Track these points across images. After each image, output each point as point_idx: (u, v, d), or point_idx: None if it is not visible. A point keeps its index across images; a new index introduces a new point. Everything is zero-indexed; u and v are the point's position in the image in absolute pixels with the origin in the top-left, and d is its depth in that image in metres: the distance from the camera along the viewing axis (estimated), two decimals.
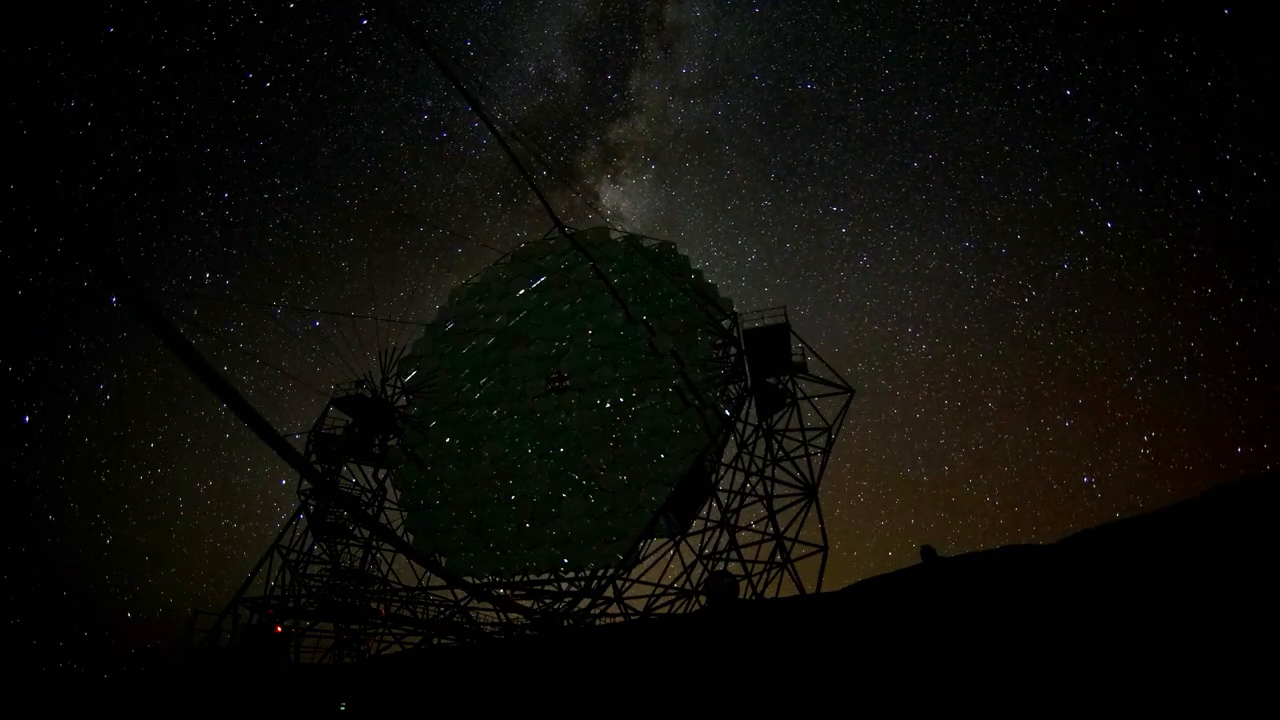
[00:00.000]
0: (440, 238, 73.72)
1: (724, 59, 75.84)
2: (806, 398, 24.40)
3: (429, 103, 70.64)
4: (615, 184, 77.61)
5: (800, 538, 22.36)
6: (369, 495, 26.47)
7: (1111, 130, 57.44)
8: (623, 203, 77.42)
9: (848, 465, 74.61)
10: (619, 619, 21.98)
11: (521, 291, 29.70)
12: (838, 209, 75.38)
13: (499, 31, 73.68)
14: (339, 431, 26.28)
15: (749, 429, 24.37)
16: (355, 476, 26.61)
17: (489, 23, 73.24)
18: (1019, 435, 64.90)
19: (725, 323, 25.49)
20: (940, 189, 69.53)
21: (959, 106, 65.87)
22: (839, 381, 24.22)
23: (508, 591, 23.41)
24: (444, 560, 24.14)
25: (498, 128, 18.28)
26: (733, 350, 25.18)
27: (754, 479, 23.46)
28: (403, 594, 23.30)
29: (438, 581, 24.18)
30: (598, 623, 21.82)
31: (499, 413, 27.37)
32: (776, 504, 22.88)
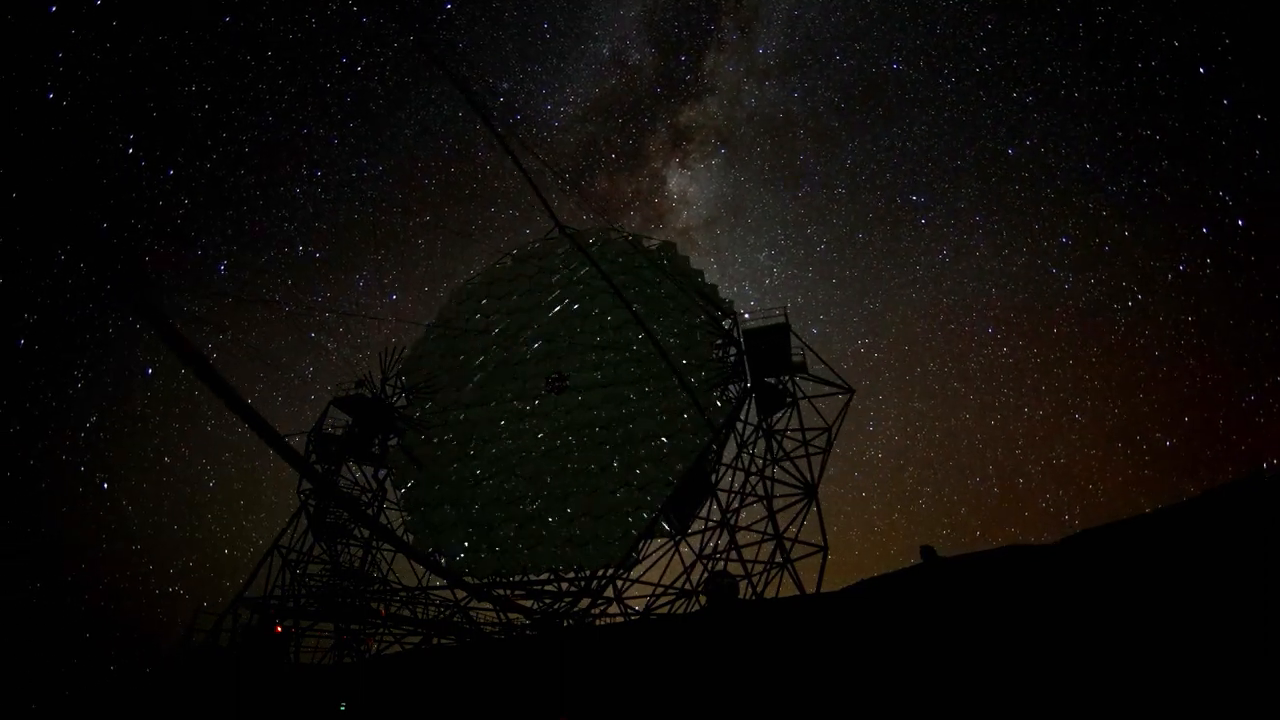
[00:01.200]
0: (509, 219, 73.63)
1: (804, 38, 71.08)
2: (807, 397, 24.41)
3: (505, 85, 70.89)
4: (683, 168, 75.77)
5: (800, 538, 22.39)
6: (369, 495, 26.48)
7: (1252, 113, 47.01)
8: (689, 187, 76.10)
9: (909, 470, 68.49)
10: (619, 619, 21.98)
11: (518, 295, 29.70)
12: (918, 198, 69.74)
13: (575, 13, 73.62)
14: (339, 431, 26.30)
15: (749, 429, 24.38)
16: (355, 476, 26.64)
17: (566, 4, 73.18)
18: (1109, 452, 59.03)
19: (725, 323, 25.50)
20: (1037, 178, 61.15)
21: (1066, 87, 57.82)
22: (839, 381, 24.23)
23: (508, 591, 23.40)
24: (444, 560, 24.14)
25: (499, 129, 18.31)
26: (732, 350, 25.19)
27: (754, 479, 23.47)
28: (403, 594, 23.29)
29: (438, 581, 24.20)
30: (598, 623, 21.82)
31: (499, 413, 27.36)
32: (776, 504, 22.90)
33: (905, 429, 69.61)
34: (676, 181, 75.96)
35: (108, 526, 52.03)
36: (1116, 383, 59.32)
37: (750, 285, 76.67)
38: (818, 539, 22.21)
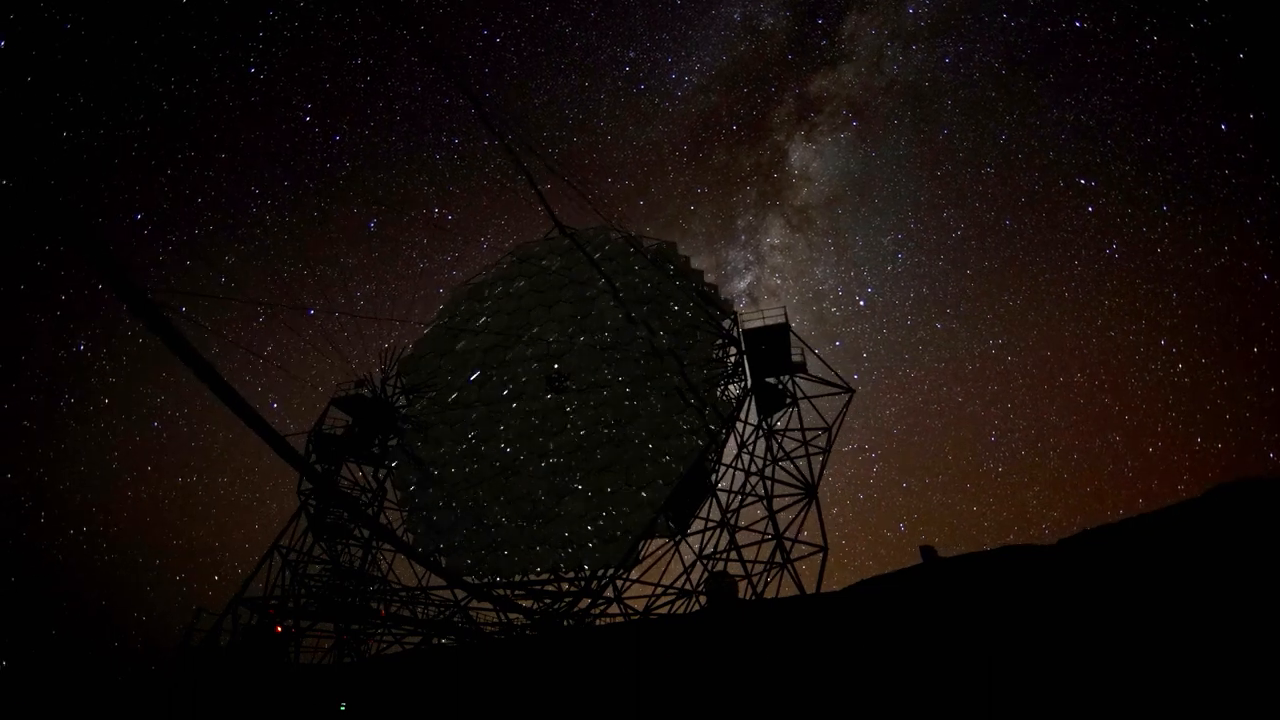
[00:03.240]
0: (622, 190, 72.68)
1: None
2: (808, 398, 24.42)
3: (632, 54, 69.60)
4: (808, 141, 70.31)
5: (801, 538, 22.40)
6: (369, 495, 26.47)
7: None
8: (813, 162, 70.43)
9: (1032, 490, 59.99)
10: (619, 619, 21.97)
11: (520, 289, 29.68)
12: (1088, 182, 56.57)
13: None
14: (339, 431, 26.29)
15: (749, 429, 24.39)
16: (355, 476, 26.62)
17: None
18: None
19: (725, 322, 25.50)
20: (1259, 160, 46.41)
21: None
22: (839, 381, 24.24)
23: (508, 591, 23.40)
24: (444, 560, 24.14)
25: (499, 129, 18.28)
26: (733, 350, 25.20)
27: (754, 479, 23.47)
28: (403, 594, 23.28)
29: (438, 581, 24.19)
30: (598, 623, 21.81)
31: (499, 413, 27.35)
32: (777, 504, 22.91)
33: (1035, 444, 61.94)
34: (799, 155, 70.61)
35: (107, 526, 52.03)
36: None
37: (870, 271, 70.80)
38: (818, 539, 22.26)
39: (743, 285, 73.98)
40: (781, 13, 69.94)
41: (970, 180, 65.11)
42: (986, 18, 60.11)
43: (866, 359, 69.66)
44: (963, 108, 64.47)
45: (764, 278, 72.20)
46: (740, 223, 78.27)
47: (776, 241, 72.96)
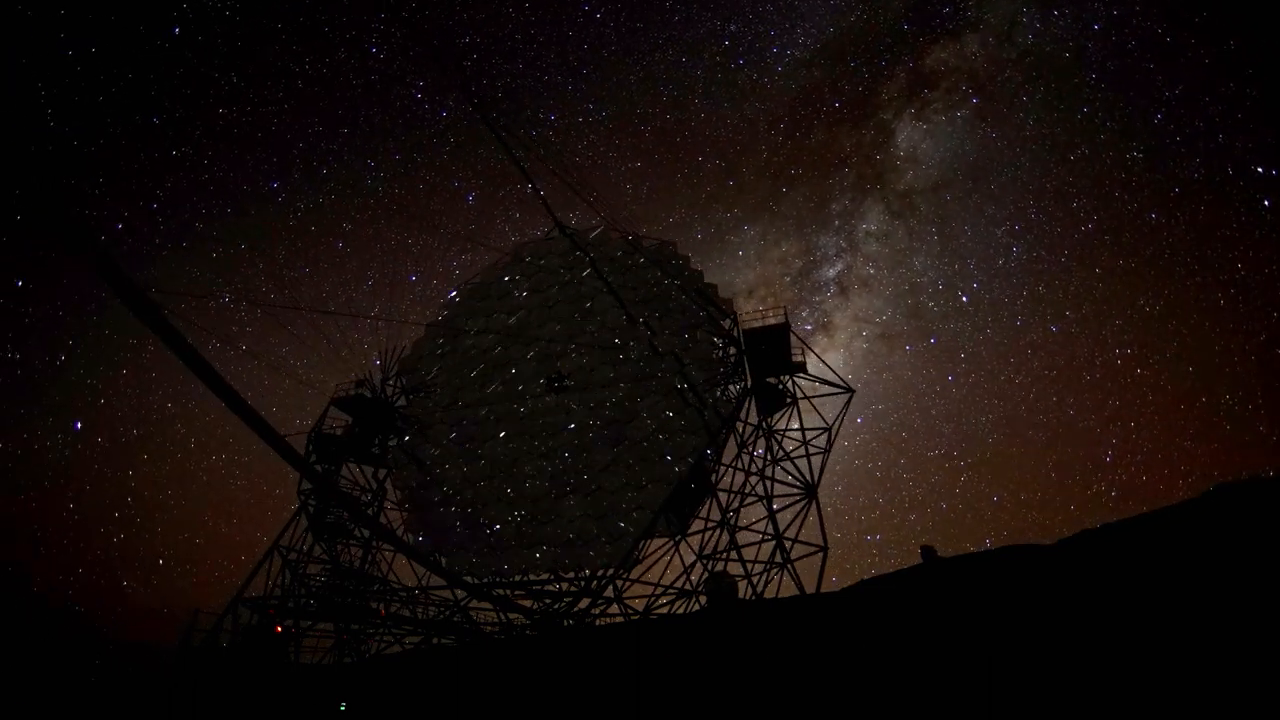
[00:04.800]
0: (712, 169, 70.14)
1: None
2: (807, 397, 24.42)
3: (733, 28, 66.00)
4: (919, 120, 62.38)
5: (800, 538, 22.40)
6: (369, 495, 26.47)
7: None
8: (922, 143, 62.85)
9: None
10: (619, 619, 21.97)
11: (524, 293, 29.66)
12: (1268, 170, 46.36)
13: None
14: (339, 431, 26.29)
15: (749, 429, 24.38)
16: (355, 476, 26.62)
17: None
18: None
19: (725, 322, 25.49)
20: None
21: None
22: (839, 381, 24.24)
23: (508, 591, 23.40)
24: (444, 560, 24.14)
25: (502, 133, 18.31)
26: (733, 350, 25.18)
27: (754, 479, 23.47)
28: (403, 594, 23.28)
29: (438, 581, 24.18)
30: (598, 623, 21.81)
31: (499, 413, 27.34)
32: (776, 504, 22.91)
33: (1160, 469, 53.47)
34: (907, 136, 63.59)
35: (106, 526, 52.03)
36: None
37: (976, 264, 64.31)
38: (818, 539, 22.26)
39: (832, 273, 68.38)
40: None
41: (1111, 166, 54.79)
42: None
43: (964, 359, 64.16)
44: (1111, 82, 54.19)
45: (856, 266, 67.05)
46: (835, 207, 72.95)
47: (873, 228, 67.21)
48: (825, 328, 65.30)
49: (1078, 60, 55.96)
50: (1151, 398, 54.01)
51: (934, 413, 64.35)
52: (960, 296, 63.85)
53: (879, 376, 65.87)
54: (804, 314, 64.38)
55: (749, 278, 68.52)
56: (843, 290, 68.22)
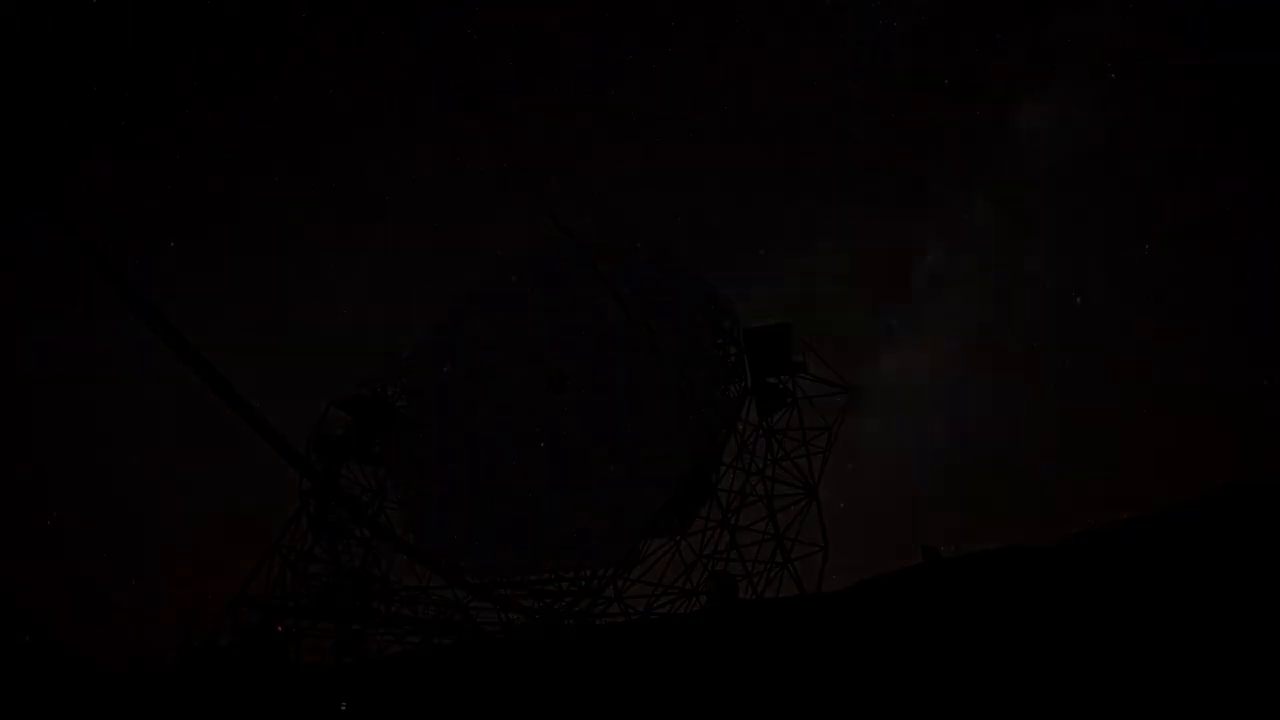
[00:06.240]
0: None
1: None
2: (808, 397, 24.41)
3: None
4: (1036, 100, 55.56)
5: (800, 538, 22.41)
6: (369, 495, 26.48)
7: None
8: (1041, 126, 56.24)
9: None
10: (619, 619, 21.98)
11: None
12: None
13: None
14: (339, 432, 26.30)
15: (749, 429, 24.37)
16: (355, 476, 26.60)
17: None
18: None
19: (726, 322, 25.49)
20: None
21: None
22: (839, 381, 24.26)
23: (508, 591, 23.41)
24: (444, 560, 24.13)
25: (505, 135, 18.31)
26: (733, 350, 25.18)
27: (754, 479, 23.47)
28: (403, 594, 23.29)
29: (438, 581, 24.18)
30: (598, 623, 21.82)
31: (499, 412, 27.33)
32: (776, 504, 22.90)
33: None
34: (1024, 117, 57.13)
35: (105, 525, 52.09)
36: None
37: (1099, 263, 54.79)
38: (818, 539, 22.27)
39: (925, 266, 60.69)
40: None
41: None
42: None
43: (1070, 365, 57.14)
44: None
45: (955, 260, 61.89)
46: (933, 193, 66.57)
47: (977, 219, 59.88)
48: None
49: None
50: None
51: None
52: (1074, 298, 56.64)
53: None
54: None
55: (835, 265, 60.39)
56: (935, 285, 62.14)
